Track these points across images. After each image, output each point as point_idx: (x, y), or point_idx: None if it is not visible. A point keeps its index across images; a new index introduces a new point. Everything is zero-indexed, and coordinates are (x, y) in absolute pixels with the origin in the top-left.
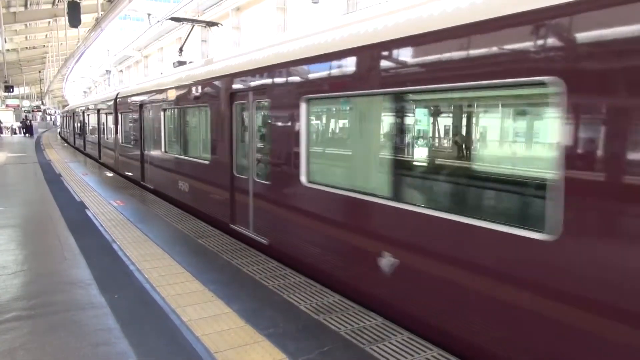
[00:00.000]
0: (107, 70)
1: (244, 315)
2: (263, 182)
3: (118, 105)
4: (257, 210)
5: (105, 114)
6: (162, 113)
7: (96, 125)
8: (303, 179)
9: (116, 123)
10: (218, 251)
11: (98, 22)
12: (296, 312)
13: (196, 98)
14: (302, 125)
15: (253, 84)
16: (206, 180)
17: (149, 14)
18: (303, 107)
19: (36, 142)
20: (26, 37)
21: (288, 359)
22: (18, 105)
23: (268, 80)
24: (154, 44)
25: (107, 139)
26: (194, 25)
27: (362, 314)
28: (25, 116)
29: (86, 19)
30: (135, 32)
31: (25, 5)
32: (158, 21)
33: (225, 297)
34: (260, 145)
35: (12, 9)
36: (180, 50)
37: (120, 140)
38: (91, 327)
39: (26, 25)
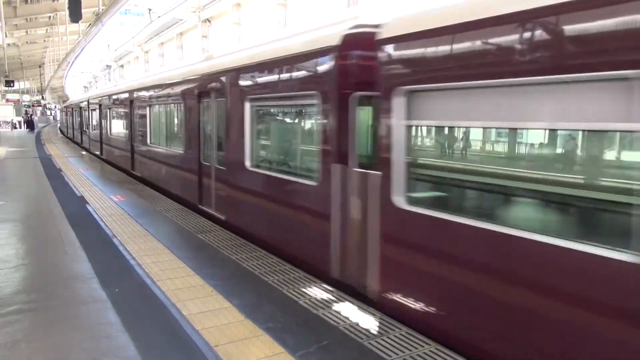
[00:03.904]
0: (107, 65)
1: (244, 309)
2: None
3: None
4: None
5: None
6: None
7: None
8: None
9: None
10: (218, 246)
11: (98, 17)
12: (295, 307)
13: None
14: None
15: None
16: None
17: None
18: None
19: (36, 137)
20: (27, 32)
21: (287, 353)
22: (18, 100)
23: None
24: (154, 39)
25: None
26: None
27: (361, 309)
28: (26, 111)
29: (87, 13)
30: (136, 27)
31: (26, 0)
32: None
33: (225, 291)
34: None
35: (12, 4)
36: None
37: None
38: (92, 321)
39: (27, 19)
